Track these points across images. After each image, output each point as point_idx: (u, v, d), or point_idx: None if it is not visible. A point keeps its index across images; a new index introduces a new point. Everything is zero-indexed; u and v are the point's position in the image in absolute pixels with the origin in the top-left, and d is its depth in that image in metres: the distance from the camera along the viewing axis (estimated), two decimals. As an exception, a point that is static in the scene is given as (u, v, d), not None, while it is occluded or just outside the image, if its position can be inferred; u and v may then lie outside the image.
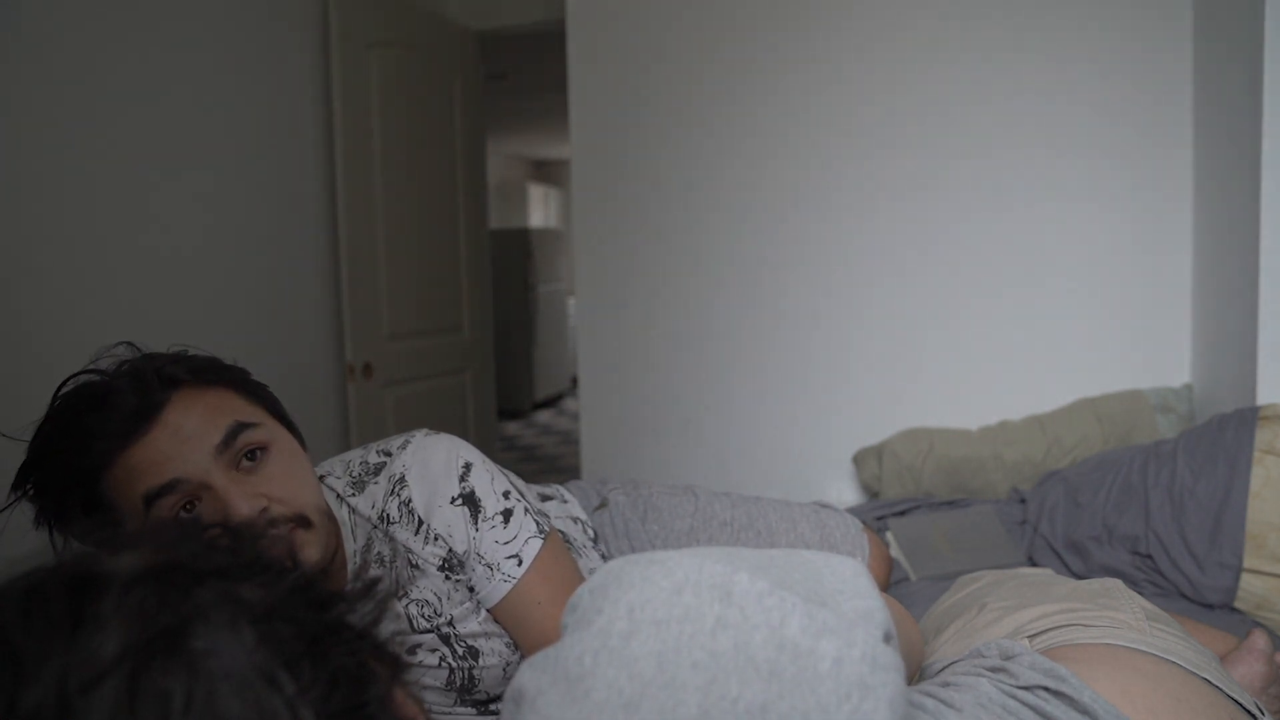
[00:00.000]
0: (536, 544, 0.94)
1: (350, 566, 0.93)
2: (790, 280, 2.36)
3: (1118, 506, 1.57)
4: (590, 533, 1.22)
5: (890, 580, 1.44)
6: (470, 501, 0.93)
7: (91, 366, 0.83)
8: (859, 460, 2.18)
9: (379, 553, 0.94)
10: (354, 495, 0.95)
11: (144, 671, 0.31)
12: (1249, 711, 0.73)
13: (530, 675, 0.45)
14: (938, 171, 2.19)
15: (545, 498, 1.22)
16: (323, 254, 2.64)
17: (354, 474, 0.96)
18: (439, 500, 0.93)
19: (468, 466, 0.95)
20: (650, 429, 2.55)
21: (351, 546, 0.94)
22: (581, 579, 1.01)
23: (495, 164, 7.94)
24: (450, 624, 0.95)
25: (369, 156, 2.64)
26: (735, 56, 2.35)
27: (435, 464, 0.94)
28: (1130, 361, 2.09)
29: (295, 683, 0.33)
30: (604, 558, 1.21)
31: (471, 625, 0.96)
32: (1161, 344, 2.07)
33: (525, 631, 0.93)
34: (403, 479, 0.93)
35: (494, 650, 0.97)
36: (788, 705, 0.41)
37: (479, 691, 0.97)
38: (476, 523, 0.93)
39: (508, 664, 0.98)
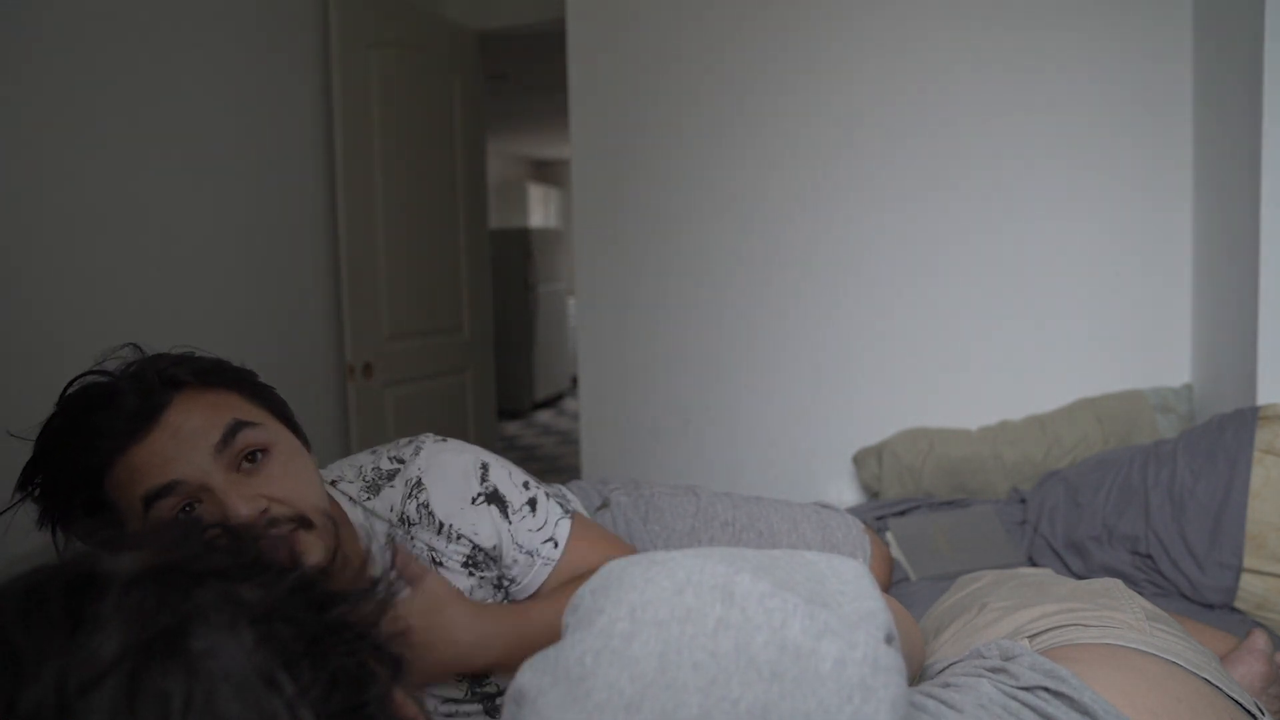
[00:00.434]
0: (566, 524, 1.00)
1: (369, 564, 0.94)
2: (790, 280, 2.36)
3: (1118, 506, 1.57)
4: (592, 533, 1.22)
5: (891, 580, 1.44)
6: (495, 499, 0.97)
7: (97, 368, 0.83)
8: (859, 460, 2.18)
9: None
10: (369, 499, 0.96)
11: (143, 672, 0.31)
12: (1249, 711, 0.73)
13: (531, 675, 0.45)
14: (938, 173, 2.19)
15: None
16: (323, 254, 2.64)
17: (367, 478, 0.98)
18: (461, 502, 0.95)
19: (485, 467, 0.99)
20: (650, 429, 2.55)
21: (368, 546, 0.95)
22: (610, 535, 1.07)
23: (495, 164, 7.93)
24: None
25: (369, 156, 2.64)
26: (736, 56, 2.35)
27: (454, 468, 0.97)
28: (1130, 361, 2.09)
29: (295, 683, 0.33)
30: (605, 557, 1.21)
31: None
32: (1161, 344, 2.07)
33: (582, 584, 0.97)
34: (420, 483, 0.95)
35: None
36: (789, 706, 0.41)
37: (489, 684, 0.97)
38: (507, 516, 0.96)
39: None
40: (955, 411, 2.19)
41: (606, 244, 2.54)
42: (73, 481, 0.79)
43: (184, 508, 0.78)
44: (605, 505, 1.31)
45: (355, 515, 0.96)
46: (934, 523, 1.73)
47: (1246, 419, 1.47)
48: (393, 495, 0.95)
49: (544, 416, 6.38)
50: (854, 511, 1.84)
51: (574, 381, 6.84)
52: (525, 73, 4.91)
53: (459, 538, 0.94)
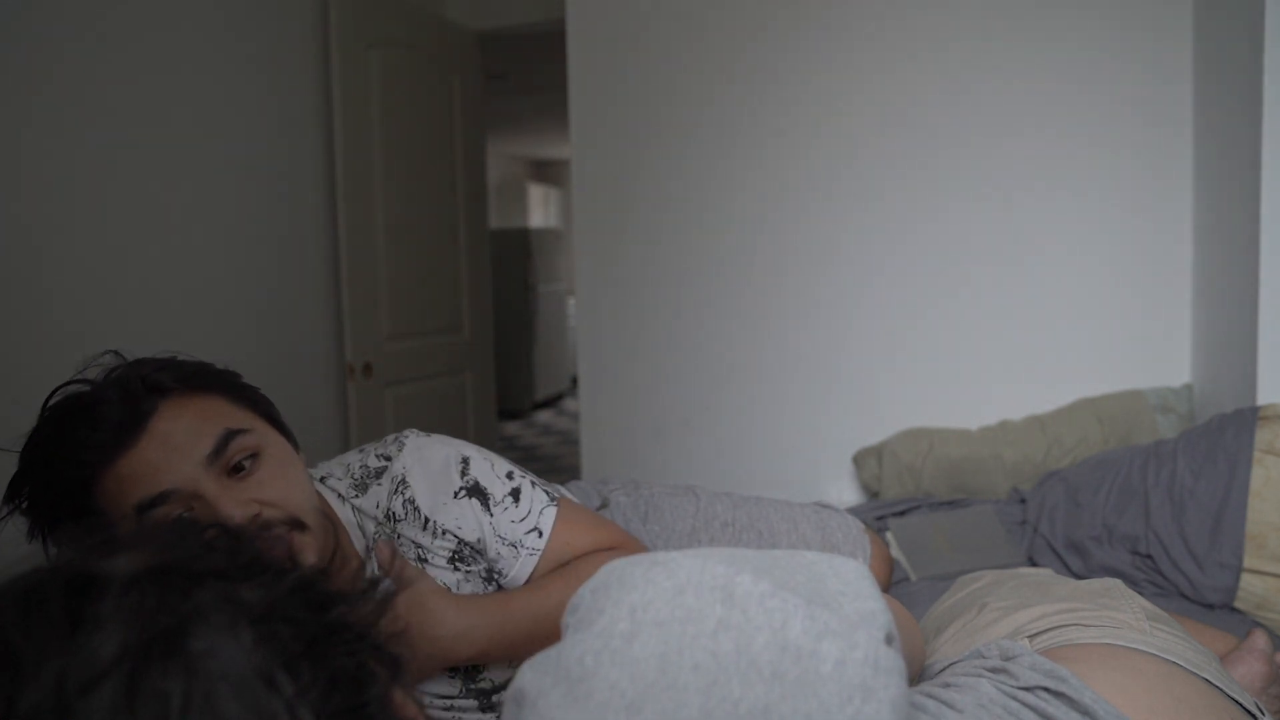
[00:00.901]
0: (551, 512, 0.99)
1: (366, 563, 0.94)
2: (790, 280, 2.36)
3: (1118, 506, 1.57)
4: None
5: (891, 580, 1.43)
6: (477, 492, 0.96)
7: (79, 376, 0.82)
8: (859, 460, 2.18)
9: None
10: (357, 496, 0.96)
11: (143, 672, 0.31)
12: (1249, 711, 0.73)
13: (531, 676, 0.45)
14: (938, 173, 2.19)
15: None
16: (323, 254, 2.64)
17: (355, 476, 0.98)
18: (443, 497, 0.95)
19: (466, 461, 0.98)
20: (650, 429, 2.55)
21: (360, 544, 0.96)
22: (598, 517, 1.06)
23: (495, 164, 7.93)
24: None
25: (369, 156, 2.64)
26: (736, 56, 2.35)
27: (435, 462, 0.97)
28: (1130, 361, 2.09)
29: (294, 683, 0.33)
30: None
31: None
32: (1161, 344, 2.07)
33: (569, 575, 0.97)
34: (404, 480, 0.95)
35: None
36: (790, 707, 0.41)
37: (483, 679, 0.97)
38: (489, 509, 0.96)
39: None
40: (955, 411, 2.19)
41: (606, 244, 2.54)
42: (60, 494, 0.78)
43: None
44: (605, 505, 1.31)
45: (345, 513, 0.96)
46: (934, 523, 1.73)
47: (1246, 419, 1.47)
48: (379, 493, 0.95)
49: (544, 416, 6.38)
50: (854, 511, 1.84)
51: (574, 381, 6.84)
52: (525, 73, 4.90)
53: (444, 533, 0.94)
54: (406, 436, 1.00)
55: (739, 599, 0.45)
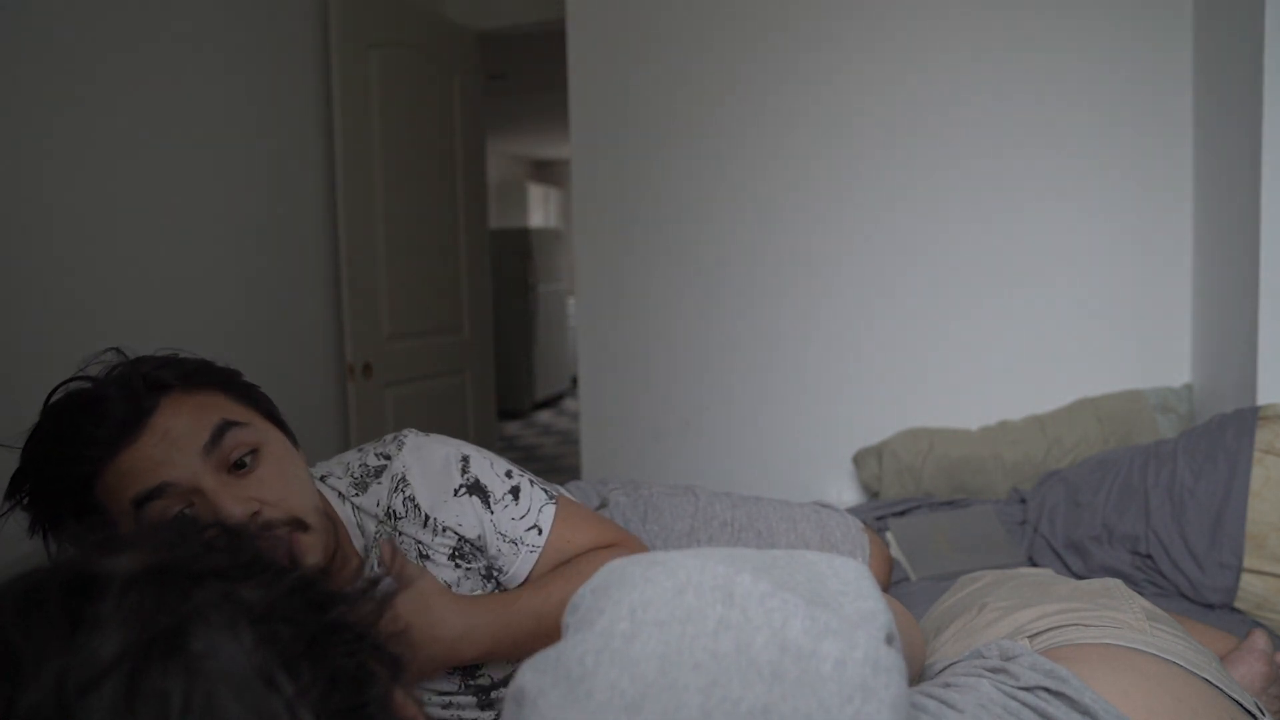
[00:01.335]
0: (550, 509, 0.99)
1: (366, 562, 0.95)
2: (790, 280, 2.36)
3: (1118, 507, 1.57)
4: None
5: (891, 580, 1.43)
6: (477, 490, 0.96)
7: (80, 374, 0.82)
8: (859, 460, 2.18)
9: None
10: (357, 495, 0.96)
11: (143, 673, 0.31)
12: (1249, 711, 0.73)
13: (531, 676, 0.45)
14: (938, 173, 2.19)
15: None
16: (323, 254, 2.64)
17: (354, 474, 0.98)
18: (443, 495, 0.95)
19: (466, 459, 0.98)
20: (650, 429, 2.55)
21: (360, 543, 0.96)
22: (597, 515, 1.06)
23: (495, 164, 7.93)
24: None
25: (369, 156, 2.64)
26: (735, 56, 2.35)
27: (435, 461, 0.97)
28: (1130, 361, 2.09)
29: (294, 683, 0.33)
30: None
31: None
32: (1161, 344, 2.07)
33: (570, 574, 0.97)
34: (404, 478, 0.96)
35: None
36: (790, 707, 0.41)
37: (483, 675, 0.98)
38: (489, 507, 0.96)
39: None
40: (955, 411, 2.19)
41: (606, 244, 2.54)
42: (61, 490, 0.78)
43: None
44: (604, 505, 1.31)
45: (345, 512, 0.96)
46: (934, 523, 1.73)
47: (1246, 419, 1.47)
48: (379, 491, 0.96)
49: (544, 416, 6.38)
50: (854, 511, 1.84)
51: (574, 381, 6.83)
52: (525, 73, 4.90)
53: (444, 530, 0.95)
54: (406, 435, 1.00)
55: (739, 599, 0.45)
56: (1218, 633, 1.08)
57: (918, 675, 0.80)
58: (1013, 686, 0.67)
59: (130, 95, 2.03)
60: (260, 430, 0.85)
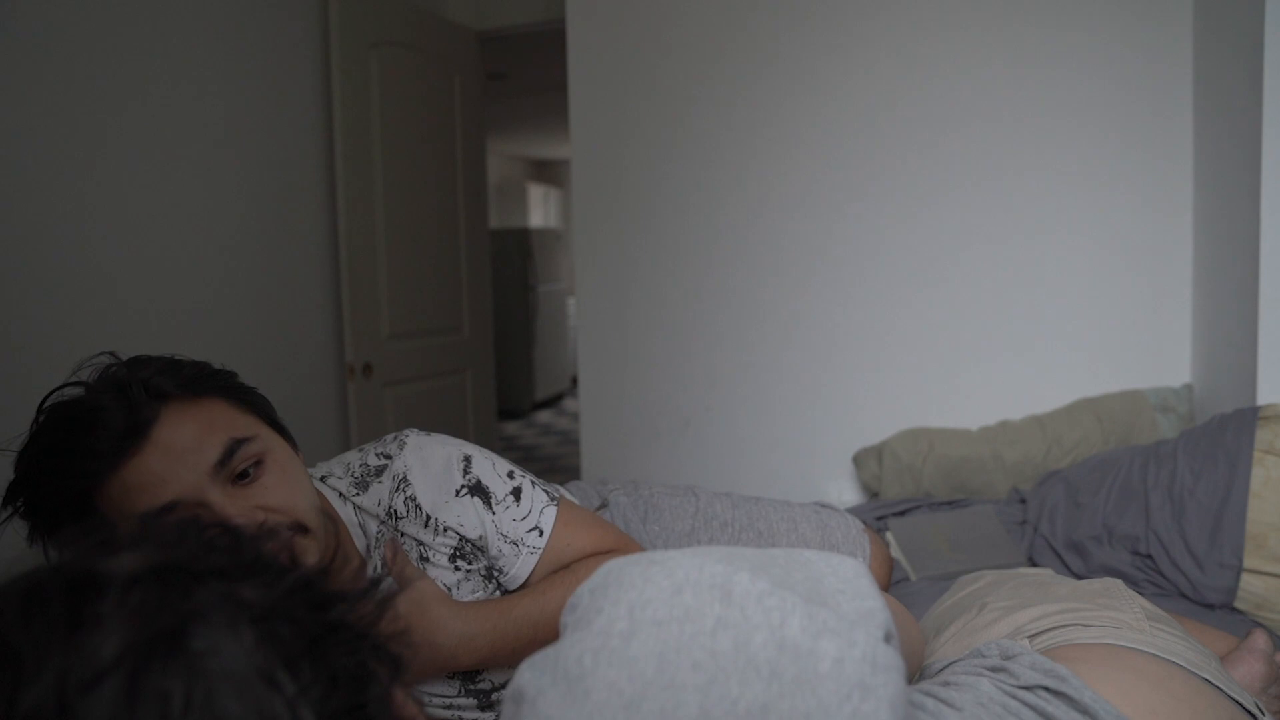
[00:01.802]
0: (552, 511, 0.99)
1: (368, 562, 0.94)
2: (790, 281, 2.36)
3: (1118, 507, 1.57)
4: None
5: (891, 580, 1.43)
6: (479, 490, 0.96)
7: (74, 379, 0.80)
8: (859, 460, 2.18)
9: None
10: (358, 494, 0.96)
11: (143, 672, 0.31)
12: (1249, 711, 0.73)
13: (530, 675, 0.45)
14: (938, 174, 2.19)
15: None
16: (323, 254, 2.64)
17: (355, 474, 0.98)
18: (445, 495, 0.95)
19: (468, 459, 0.98)
20: (650, 429, 2.55)
21: (361, 543, 0.95)
22: (599, 519, 1.06)
23: (495, 164, 7.93)
24: None
25: (369, 156, 2.64)
26: (735, 56, 2.35)
27: (436, 461, 0.97)
28: (1130, 361, 2.09)
29: (295, 683, 0.33)
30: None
31: None
32: (1161, 344, 2.07)
33: (569, 580, 0.97)
34: (405, 478, 0.95)
35: None
36: (788, 706, 0.41)
37: (483, 680, 0.98)
38: (491, 507, 0.96)
39: None
40: (955, 411, 2.19)
41: (606, 244, 2.54)
42: (60, 501, 0.77)
43: None
44: (604, 506, 1.31)
45: (345, 512, 0.96)
46: (934, 523, 1.73)
47: (1246, 419, 1.47)
48: (380, 491, 0.96)
49: (544, 416, 6.38)
50: (854, 511, 1.84)
51: (574, 381, 6.84)
52: (525, 73, 4.90)
53: (445, 530, 0.94)
54: (407, 435, 1.00)
55: (737, 597, 0.45)
56: (1218, 633, 1.08)
57: (916, 674, 0.80)
58: (1012, 685, 0.67)
59: (130, 96, 2.03)
60: (264, 439, 0.84)
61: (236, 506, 0.79)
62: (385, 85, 2.68)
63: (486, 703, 0.98)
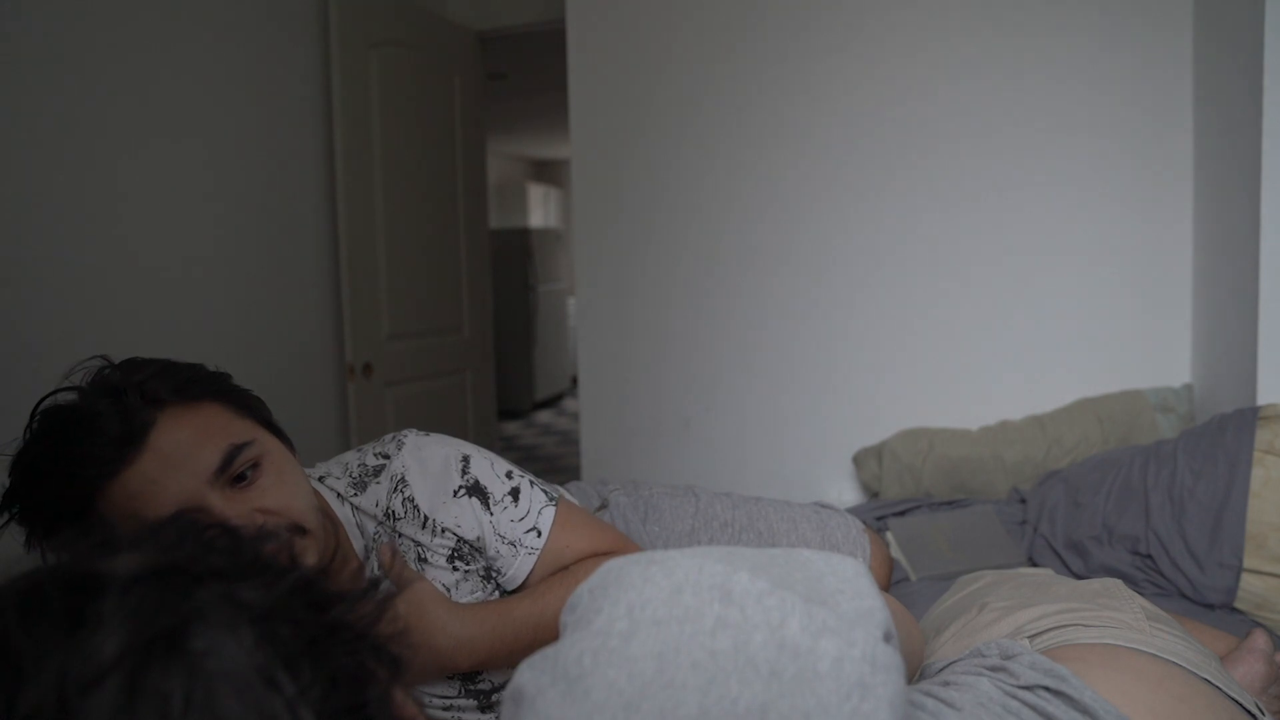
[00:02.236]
0: (550, 512, 0.99)
1: (366, 563, 0.94)
2: (790, 280, 2.36)
3: (1118, 507, 1.57)
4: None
5: (891, 580, 1.43)
6: (477, 491, 0.96)
7: (67, 384, 0.80)
8: (859, 460, 2.18)
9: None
10: (356, 495, 0.96)
11: (143, 672, 0.31)
12: (1249, 711, 0.73)
13: (530, 675, 0.45)
14: (939, 175, 2.19)
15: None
16: (323, 254, 2.64)
17: (353, 475, 0.97)
18: (443, 496, 0.95)
19: (466, 459, 0.98)
20: (650, 429, 2.55)
21: (359, 544, 0.95)
22: (598, 520, 1.05)
23: (495, 164, 7.93)
24: None
25: (369, 156, 2.64)
26: (737, 56, 2.35)
27: (434, 461, 0.97)
28: (1130, 361, 2.09)
29: (294, 683, 0.33)
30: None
31: None
32: (1161, 344, 2.07)
33: (568, 582, 0.97)
34: (404, 478, 0.95)
35: None
36: (788, 705, 0.41)
37: (482, 680, 0.97)
38: (489, 508, 0.96)
39: None
40: (955, 411, 2.19)
41: (606, 244, 2.54)
42: (58, 508, 0.77)
43: None
44: (604, 506, 1.31)
45: (343, 512, 0.96)
46: (934, 523, 1.73)
47: (1246, 419, 1.47)
48: (378, 491, 0.95)
49: (544, 416, 6.38)
50: (854, 511, 1.84)
51: (574, 381, 6.83)
52: (525, 73, 4.90)
53: (443, 531, 0.94)
54: (406, 435, 0.99)
55: (737, 597, 0.45)
56: (1218, 633, 1.08)
57: (916, 674, 0.80)
58: (1012, 685, 0.67)
59: (130, 95, 2.03)
60: (260, 442, 0.84)
61: (234, 509, 0.79)
62: (385, 85, 2.68)
63: (486, 703, 0.98)
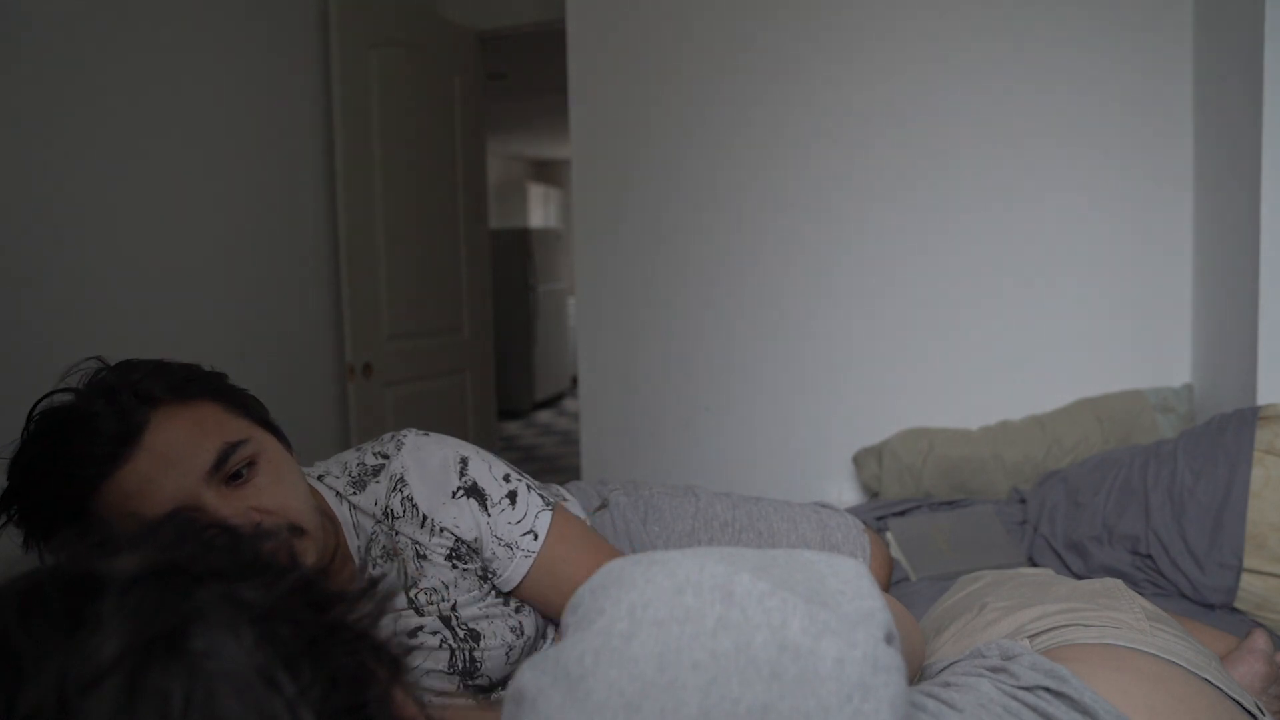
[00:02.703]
0: (547, 516, 0.99)
1: (357, 561, 0.95)
2: (790, 280, 2.36)
3: (1118, 506, 1.57)
4: (591, 533, 1.22)
5: (891, 580, 1.43)
6: (475, 492, 0.96)
7: (63, 385, 0.80)
8: (859, 460, 2.18)
9: (384, 547, 0.96)
10: (355, 494, 0.97)
11: (143, 672, 0.31)
12: (1249, 712, 0.73)
13: (531, 675, 0.45)
14: (939, 173, 2.19)
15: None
16: (323, 254, 2.64)
17: (352, 474, 0.98)
18: (441, 496, 0.95)
19: (464, 461, 0.98)
20: (650, 429, 2.55)
21: (355, 543, 0.96)
22: (594, 532, 1.06)
23: (495, 164, 7.93)
24: (453, 608, 0.98)
25: (369, 156, 2.64)
26: (734, 56, 2.35)
27: (433, 462, 0.97)
28: (1130, 361, 2.09)
29: (294, 683, 0.33)
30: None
31: (473, 609, 0.98)
32: (1161, 344, 2.07)
33: (559, 590, 0.97)
34: (403, 478, 0.96)
35: (495, 633, 0.99)
36: (789, 706, 0.41)
37: (481, 676, 0.98)
38: (486, 510, 0.96)
39: (510, 648, 1.00)
40: (955, 411, 2.19)
41: (606, 244, 2.54)
42: (53, 508, 0.77)
43: None
44: (604, 506, 1.31)
45: (342, 511, 0.96)
46: (934, 523, 1.73)
47: (1246, 419, 1.47)
48: (377, 490, 0.96)
49: (544, 416, 6.38)
50: (854, 511, 1.84)
51: (574, 381, 6.83)
52: (525, 73, 4.90)
53: (441, 531, 0.95)
54: (405, 435, 1.00)
55: (738, 598, 0.45)
56: (1218, 633, 1.08)
57: (916, 674, 0.80)
58: (1013, 686, 0.67)
59: (130, 96, 2.03)
60: (256, 441, 0.84)
61: (230, 507, 0.79)
62: (385, 85, 2.68)
63: (486, 702, 0.98)
